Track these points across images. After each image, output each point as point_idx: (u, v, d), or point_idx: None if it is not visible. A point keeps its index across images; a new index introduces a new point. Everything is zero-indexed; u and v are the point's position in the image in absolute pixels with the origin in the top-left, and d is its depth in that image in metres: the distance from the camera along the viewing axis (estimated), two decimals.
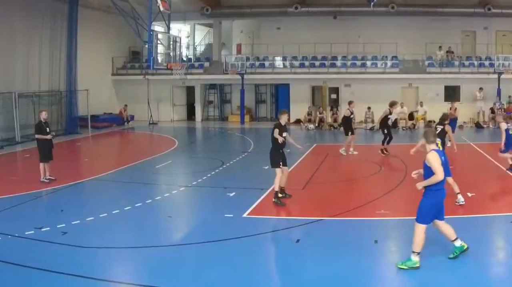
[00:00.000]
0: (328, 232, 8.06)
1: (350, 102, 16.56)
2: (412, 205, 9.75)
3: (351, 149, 15.80)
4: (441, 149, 6.75)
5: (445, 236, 6.73)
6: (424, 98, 25.20)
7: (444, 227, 6.72)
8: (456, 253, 6.66)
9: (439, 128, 12.00)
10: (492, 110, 24.24)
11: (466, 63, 26.11)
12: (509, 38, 26.99)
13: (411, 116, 24.79)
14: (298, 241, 7.58)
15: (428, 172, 6.46)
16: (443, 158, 6.62)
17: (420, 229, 6.44)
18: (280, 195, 10.00)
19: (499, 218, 8.51)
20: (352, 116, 16.24)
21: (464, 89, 26.15)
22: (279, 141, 9.77)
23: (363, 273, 6.34)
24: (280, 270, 6.79)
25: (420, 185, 6.62)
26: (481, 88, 24.86)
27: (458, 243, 6.69)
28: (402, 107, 24.30)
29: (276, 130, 9.83)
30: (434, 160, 6.42)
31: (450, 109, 17.17)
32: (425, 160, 6.54)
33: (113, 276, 6.45)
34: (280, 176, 9.92)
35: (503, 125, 12.52)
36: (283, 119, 10.14)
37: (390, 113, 16.10)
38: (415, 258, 6.37)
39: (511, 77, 24.23)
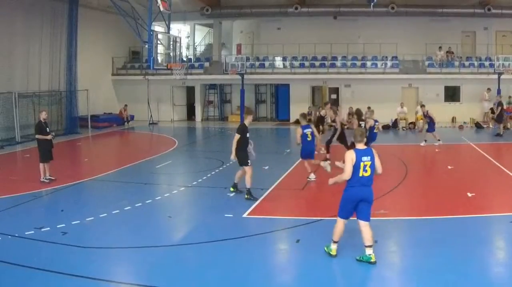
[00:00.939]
0: (328, 232, 7.99)
1: (326, 103, 16.85)
2: (412, 205, 9.80)
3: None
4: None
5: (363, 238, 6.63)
6: (424, 98, 25.20)
7: (364, 229, 6.59)
8: (362, 259, 6.57)
9: (363, 124, 12.62)
10: (492, 111, 24.24)
11: (466, 63, 26.13)
12: (509, 38, 27.02)
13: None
14: (298, 241, 7.57)
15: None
16: (366, 157, 6.45)
17: (339, 222, 6.79)
18: (232, 189, 10.34)
19: (499, 218, 8.51)
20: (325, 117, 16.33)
21: (464, 90, 26.17)
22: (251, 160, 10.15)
23: (363, 273, 6.33)
24: (280, 270, 6.78)
25: (331, 181, 6.87)
26: (489, 89, 24.82)
27: (368, 252, 6.53)
28: (402, 107, 24.33)
29: (237, 136, 9.94)
30: (347, 159, 6.46)
31: (425, 112, 18.04)
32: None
33: (113, 276, 6.45)
34: (251, 173, 10.06)
35: (371, 122, 13.41)
36: (248, 120, 10.32)
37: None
38: (333, 246, 6.85)
39: (511, 77, 24.24)
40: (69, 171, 13.41)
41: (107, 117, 26.55)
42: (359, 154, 6.46)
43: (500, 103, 21.25)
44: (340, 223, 6.71)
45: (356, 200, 6.55)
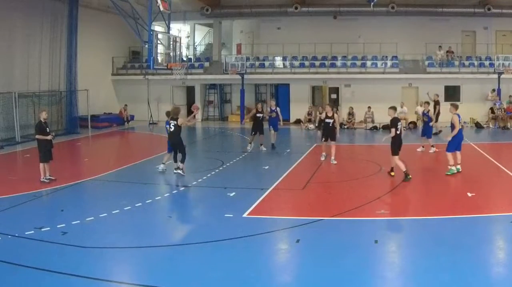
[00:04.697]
0: (328, 232, 8.06)
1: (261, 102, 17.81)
2: (412, 205, 9.80)
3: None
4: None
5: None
6: (424, 98, 25.16)
7: (459, 154, 12.22)
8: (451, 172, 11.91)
9: (173, 123, 12.92)
10: (492, 110, 24.26)
11: (466, 63, 26.13)
12: (509, 38, 27.01)
13: None
14: (298, 241, 7.57)
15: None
16: (461, 117, 12.28)
17: (449, 155, 12.21)
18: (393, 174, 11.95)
19: (499, 218, 8.51)
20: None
21: (464, 89, 26.17)
22: None
23: (363, 273, 6.33)
24: (280, 270, 6.78)
25: (455, 132, 11.96)
26: (493, 90, 24.82)
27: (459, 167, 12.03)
28: (402, 107, 24.30)
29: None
30: (456, 120, 11.99)
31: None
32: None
33: (113, 276, 6.45)
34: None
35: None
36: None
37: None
38: (453, 167, 12.20)
39: (511, 77, 24.25)
40: (69, 171, 13.40)
41: (107, 117, 26.53)
42: (459, 116, 11.95)
43: (437, 102, 21.31)
44: (450, 155, 12.01)
45: (460, 140, 12.12)
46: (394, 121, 11.77)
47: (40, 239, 7.62)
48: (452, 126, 12.17)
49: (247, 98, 28.25)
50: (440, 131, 20.87)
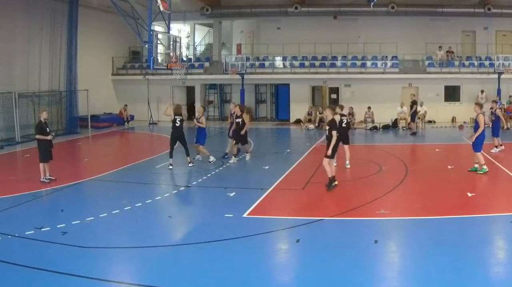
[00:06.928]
0: (328, 232, 8.06)
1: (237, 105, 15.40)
2: (412, 205, 9.79)
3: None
4: None
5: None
6: (424, 98, 25.21)
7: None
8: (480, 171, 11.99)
9: (178, 118, 13.67)
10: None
11: (466, 63, 26.14)
12: (509, 38, 27.02)
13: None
14: (298, 241, 7.57)
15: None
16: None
17: (480, 155, 12.18)
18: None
19: (499, 218, 8.51)
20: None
21: (464, 89, 26.18)
22: None
23: (363, 273, 6.33)
24: (280, 270, 6.78)
25: (480, 129, 11.97)
26: (482, 91, 24.89)
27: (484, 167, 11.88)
28: (402, 107, 24.31)
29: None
30: (482, 119, 12.08)
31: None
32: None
33: (113, 276, 6.45)
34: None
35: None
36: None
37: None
38: (485, 166, 11.99)
39: (511, 77, 24.25)
40: (69, 171, 13.41)
41: (107, 117, 26.55)
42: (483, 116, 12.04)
43: (414, 102, 21.40)
44: (479, 155, 12.00)
45: (484, 139, 12.13)
46: (334, 123, 10.66)
47: (40, 239, 7.62)
48: (477, 126, 12.22)
49: (247, 98, 28.23)
50: (415, 133, 21.12)
